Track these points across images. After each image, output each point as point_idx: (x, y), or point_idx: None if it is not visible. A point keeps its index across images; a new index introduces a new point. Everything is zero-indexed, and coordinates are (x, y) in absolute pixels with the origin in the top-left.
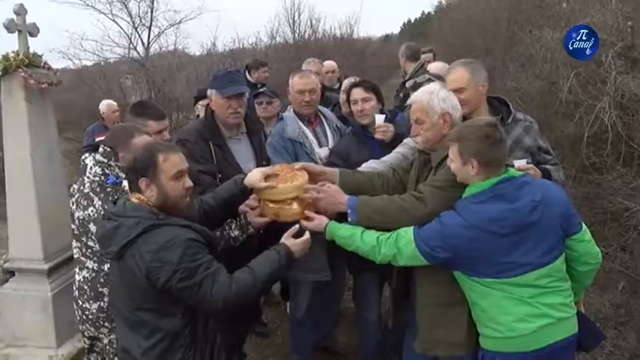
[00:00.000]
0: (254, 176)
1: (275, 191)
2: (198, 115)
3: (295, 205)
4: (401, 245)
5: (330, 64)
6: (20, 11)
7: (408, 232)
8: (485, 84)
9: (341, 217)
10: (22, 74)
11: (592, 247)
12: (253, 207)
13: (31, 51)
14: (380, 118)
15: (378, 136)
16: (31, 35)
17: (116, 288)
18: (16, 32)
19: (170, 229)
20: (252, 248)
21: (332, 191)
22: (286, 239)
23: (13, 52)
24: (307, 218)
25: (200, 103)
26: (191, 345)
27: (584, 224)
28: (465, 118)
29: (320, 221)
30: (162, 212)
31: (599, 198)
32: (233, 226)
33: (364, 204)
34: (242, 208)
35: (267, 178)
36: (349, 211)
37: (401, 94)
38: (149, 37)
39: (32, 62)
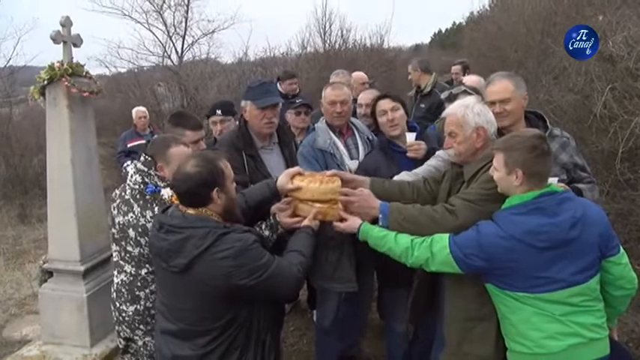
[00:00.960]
0: (280, 180)
1: (319, 190)
2: (211, 132)
3: (340, 205)
4: (435, 250)
5: (361, 75)
6: (66, 23)
7: (443, 238)
8: (526, 97)
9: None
10: (66, 83)
11: (628, 272)
12: (284, 209)
13: (73, 60)
14: (411, 137)
15: (410, 154)
16: (75, 46)
17: (173, 301)
18: (62, 43)
19: (237, 235)
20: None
21: (365, 195)
22: (306, 221)
23: (58, 62)
24: (341, 219)
25: (211, 119)
26: (246, 345)
27: (622, 248)
28: (500, 133)
29: (354, 222)
30: (225, 220)
31: (634, 215)
32: (263, 227)
33: (396, 210)
34: (273, 209)
35: (293, 177)
36: (380, 216)
37: (422, 105)
38: (183, 45)
39: (75, 72)
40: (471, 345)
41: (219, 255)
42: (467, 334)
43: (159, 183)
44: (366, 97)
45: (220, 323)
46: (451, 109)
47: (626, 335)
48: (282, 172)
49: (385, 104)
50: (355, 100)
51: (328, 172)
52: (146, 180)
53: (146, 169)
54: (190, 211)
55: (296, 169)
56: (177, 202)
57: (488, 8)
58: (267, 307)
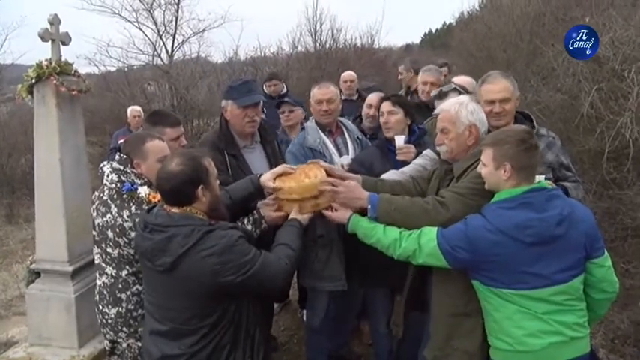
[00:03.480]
0: (264, 177)
1: (302, 187)
2: None
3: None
4: (422, 242)
5: (349, 74)
6: (54, 21)
7: (431, 231)
8: (519, 97)
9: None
10: (54, 82)
11: (611, 275)
12: (270, 204)
13: (62, 59)
14: (400, 140)
15: (400, 158)
16: (64, 44)
17: (160, 300)
18: (50, 41)
19: (222, 232)
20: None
21: (352, 186)
22: (294, 214)
23: (46, 60)
24: (331, 209)
25: None
26: (235, 342)
27: (606, 251)
28: (489, 132)
29: (344, 213)
30: (210, 218)
31: (620, 214)
32: (246, 221)
33: (386, 201)
34: (259, 204)
35: (277, 177)
36: (369, 207)
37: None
38: (173, 44)
39: (64, 70)
40: (458, 340)
41: (204, 252)
42: (454, 330)
43: (135, 181)
44: (372, 98)
45: (209, 321)
46: (445, 106)
47: (612, 332)
48: (265, 171)
49: (384, 106)
50: (346, 100)
51: (322, 164)
52: (122, 178)
53: (122, 168)
54: (175, 210)
55: (282, 168)
56: (155, 200)
57: (477, 9)
58: (255, 302)
